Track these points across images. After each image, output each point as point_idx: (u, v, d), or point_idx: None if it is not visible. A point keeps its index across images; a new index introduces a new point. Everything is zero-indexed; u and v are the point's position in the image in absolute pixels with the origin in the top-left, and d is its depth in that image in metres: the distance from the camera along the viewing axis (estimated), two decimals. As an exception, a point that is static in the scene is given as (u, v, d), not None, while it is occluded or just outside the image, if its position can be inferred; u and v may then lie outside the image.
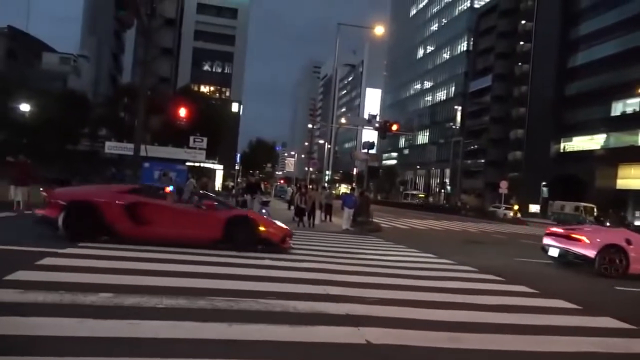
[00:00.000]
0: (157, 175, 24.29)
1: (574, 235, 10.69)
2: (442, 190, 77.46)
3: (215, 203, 10.03)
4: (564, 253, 10.75)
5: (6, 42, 65.62)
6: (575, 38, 56.85)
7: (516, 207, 44.75)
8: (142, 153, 17.09)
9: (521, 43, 70.33)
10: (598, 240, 10.41)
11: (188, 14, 69.10)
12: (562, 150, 57.98)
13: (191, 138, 31.92)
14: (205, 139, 32.43)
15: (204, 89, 65.85)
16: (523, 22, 70.28)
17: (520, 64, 70.21)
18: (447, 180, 78.12)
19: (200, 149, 32.75)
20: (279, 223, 10.40)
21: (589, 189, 47.91)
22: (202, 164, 37.36)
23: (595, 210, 39.54)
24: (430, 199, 78.49)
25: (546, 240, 11.41)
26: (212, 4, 70.33)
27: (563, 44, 57.70)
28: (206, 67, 71.19)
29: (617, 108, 51.16)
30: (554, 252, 10.99)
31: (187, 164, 33.93)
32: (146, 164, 28.30)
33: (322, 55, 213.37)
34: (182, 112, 21.52)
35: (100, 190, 9.76)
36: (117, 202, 8.77)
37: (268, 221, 10.11)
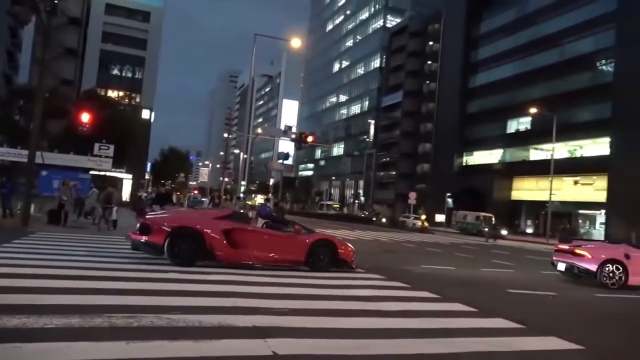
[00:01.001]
0: (57, 184, 22.49)
1: (578, 252, 11.72)
2: (356, 201, 79.64)
3: (302, 228, 10.77)
4: (569, 267, 11.79)
5: None
6: (476, 60, 61.66)
7: (424, 217, 47.11)
8: (38, 160, 15.74)
9: (429, 62, 74.81)
10: (599, 255, 11.46)
11: (95, 14, 65.29)
12: (464, 164, 62.23)
13: (96, 145, 30.00)
14: (112, 147, 30.62)
15: (112, 93, 62.32)
16: (431, 43, 74.85)
17: (428, 82, 74.59)
18: (361, 191, 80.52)
19: (106, 156, 30.84)
20: (347, 243, 11.07)
21: (488, 200, 51.80)
22: (108, 173, 35.20)
23: (493, 219, 42.72)
24: (345, 210, 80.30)
25: (555, 257, 12.48)
26: (122, 5, 67.08)
27: (466, 65, 62.27)
28: (115, 71, 67.56)
29: (512, 126, 56.05)
30: (561, 267, 12.09)
31: (92, 172, 31.86)
32: (44, 172, 26.16)
33: (240, 64, 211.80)
34: (85, 117, 20.16)
35: (200, 216, 10.24)
36: (216, 227, 9.23)
37: (344, 243, 10.82)
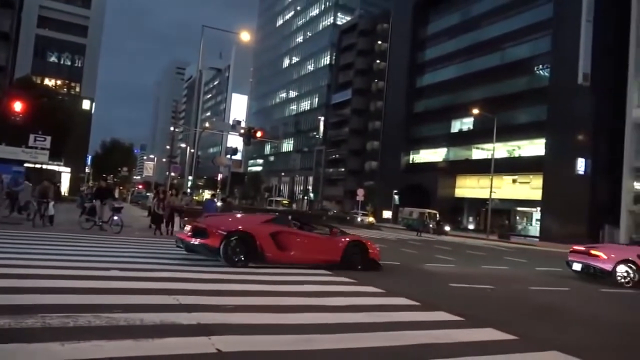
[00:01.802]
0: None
1: (593, 252, 12.40)
2: (306, 197, 79.88)
3: (338, 230, 11.49)
4: (585, 267, 12.46)
5: None
6: (422, 61, 63.34)
7: (372, 213, 47.95)
8: (-35, 151, 14.66)
9: (378, 61, 76.07)
10: (613, 256, 12.15)
11: (31, -4, 61.44)
12: (411, 162, 63.85)
13: (31, 136, 28.34)
14: (48, 138, 29.01)
15: (49, 82, 59.03)
16: (380, 42, 76.09)
17: (376, 80, 75.84)
18: (310, 188, 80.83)
19: (42, 148, 29.20)
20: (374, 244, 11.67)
21: (433, 197, 53.46)
22: (45, 166, 33.36)
23: (437, 215, 44.12)
24: (294, 206, 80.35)
25: (571, 257, 13.05)
26: (60, -12, 63.53)
27: (412, 66, 63.81)
28: (53, 59, 63.91)
29: (456, 126, 58.08)
30: (577, 267, 12.72)
31: (27, 165, 30.11)
32: (-29, 165, 24.47)
33: (187, 56, 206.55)
34: (18, 105, 18.97)
35: (250, 220, 10.82)
36: (265, 231, 9.86)
37: (373, 244, 11.40)
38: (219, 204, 20.16)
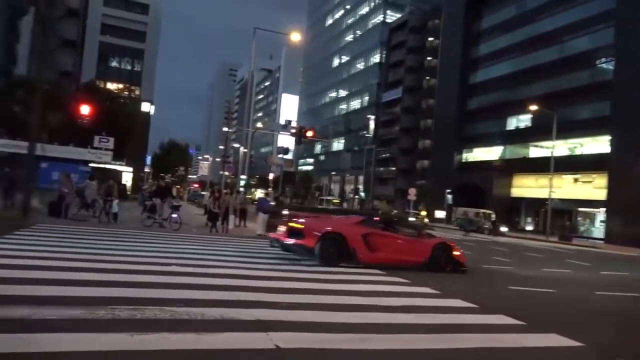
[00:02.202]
0: (58, 176, 22.45)
1: None
2: (356, 196, 79.68)
3: (426, 232, 11.91)
4: None
5: None
6: (475, 57, 61.53)
7: (424, 213, 47.13)
8: (38, 152, 15.70)
9: (429, 58, 74.64)
10: None
11: (94, 5, 64.91)
12: (464, 160, 62.22)
13: (96, 137, 29.97)
14: (111, 139, 30.58)
15: (111, 85, 62.15)
16: (430, 38, 74.63)
17: (427, 78, 74.44)
18: (361, 187, 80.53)
19: (106, 149, 30.82)
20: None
21: (488, 197, 51.86)
22: (108, 166, 35.16)
23: (493, 216, 42.78)
24: (345, 205, 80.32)
25: None
26: (121, -4, 66.75)
27: (465, 62, 62.12)
28: (114, 64, 67.27)
29: (512, 123, 56.03)
30: None
31: (92, 165, 31.84)
32: (44, 164, 26.16)
33: (239, 58, 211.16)
34: (85, 109, 20.11)
35: (343, 222, 11.16)
36: (357, 232, 10.28)
37: (457, 246, 11.60)
38: (272, 203, 20.52)
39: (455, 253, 11.17)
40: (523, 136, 52.95)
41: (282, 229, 10.94)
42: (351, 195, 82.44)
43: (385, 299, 7.08)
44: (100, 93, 44.93)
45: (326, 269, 9.64)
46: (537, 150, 50.49)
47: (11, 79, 53.98)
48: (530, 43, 52.04)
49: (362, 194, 77.61)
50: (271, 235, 11.74)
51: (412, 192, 43.61)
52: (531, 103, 42.94)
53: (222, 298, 6.01)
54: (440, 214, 58.11)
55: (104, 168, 34.52)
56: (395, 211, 45.63)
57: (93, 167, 31.49)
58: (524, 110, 47.66)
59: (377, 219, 12.36)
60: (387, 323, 5.59)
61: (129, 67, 67.83)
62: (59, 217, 15.55)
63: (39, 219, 14.51)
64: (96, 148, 30.81)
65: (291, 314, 5.55)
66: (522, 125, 54.59)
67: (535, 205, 50.25)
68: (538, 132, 48.13)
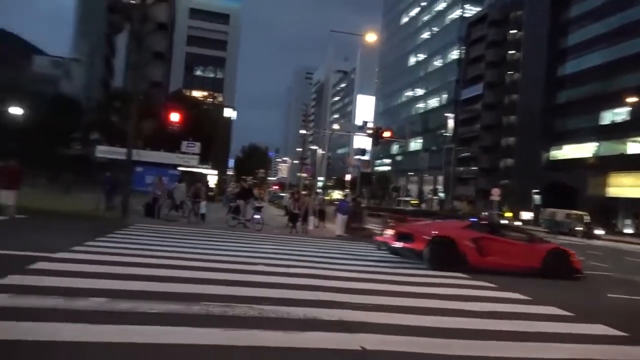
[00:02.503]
0: (150, 179, 24.12)
1: None
2: (435, 197, 77.76)
3: (538, 237, 11.54)
4: None
5: (-3, 45, 65.00)
6: (564, 47, 57.57)
7: (508, 214, 44.95)
8: (134, 157, 16.98)
9: (511, 52, 71.11)
10: None
11: (180, 18, 69.05)
12: (552, 158, 58.48)
13: (183, 143, 31.83)
14: (198, 144, 32.34)
15: (197, 93, 65.69)
16: (512, 31, 71.07)
17: (510, 72, 70.93)
18: (440, 187, 78.49)
19: (193, 154, 32.66)
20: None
21: (580, 197, 48.33)
22: (195, 169, 37.22)
23: (586, 217, 39.84)
24: (423, 206, 78.72)
25: None
26: (204, 9, 70.36)
27: (552, 53, 58.39)
28: (198, 72, 71.12)
29: (606, 117, 51.79)
30: None
31: (180, 168, 33.81)
32: (139, 169, 28.21)
33: (314, 61, 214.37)
34: (175, 117, 21.46)
35: (452, 226, 11.28)
36: (467, 236, 10.18)
37: (574, 252, 11.23)
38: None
39: (572, 259, 10.72)
40: (620, 131, 48.72)
41: (389, 232, 11.10)
42: (430, 196, 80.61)
43: (471, 303, 6.85)
44: (187, 101, 47.64)
45: (409, 271, 9.52)
46: (636, 146, 46.28)
47: (109, 91, 58.86)
48: (625, 30, 47.79)
49: (442, 195, 75.58)
50: (378, 238, 11.86)
51: (496, 192, 41.68)
52: (628, 95, 39.43)
53: (306, 298, 6.14)
54: (526, 215, 55.08)
55: (191, 171, 36.55)
56: (485, 213, 43.93)
57: (181, 171, 33.44)
58: (620, 103, 43.90)
59: (486, 222, 12.13)
60: (473, 329, 5.42)
61: (212, 75, 71.35)
62: (152, 218, 16.72)
63: (136, 219, 15.68)
64: (184, 153, 32.76)
65: (374, 315, 5.55)
66: (618, 119, 50.28)
67: (636, 206, 46.05)
68: (637, 126, 44.10)
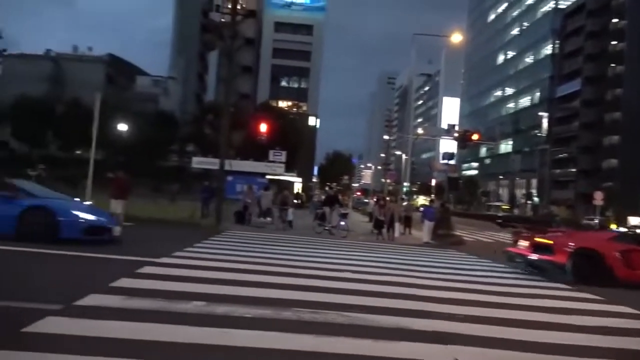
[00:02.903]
0: (240, 188, 25.29)
1: None
2: (529, 202, 73.33)
3: None
4: None
5: (106, 68, 71.97)
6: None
7: (613, 220, 41.16)
8: (227, 167, 17.87)
9: (613, 42, 65.34)
10: None
11: (266, 33, 71.75)
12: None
13: (271, 152, 32.99)
14: (284, 153, 33.35)
15: (282, 104, 67.80)
16: (615, 20, 65.33)
17: (612, 65, 65.18)
18: (534, 191, 73.90)
19: (279, 162, 33.73)
20: None
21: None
22: (281, 177, 38.41)
23: None
24: (516, 211, 74.56)
25: None
26: (288, 21, 72.50)
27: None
28: (283, 83, 73.31)
29: None
30: None
31: (268, 177, 35.05)
32: (229, 178, 29.64)
33: (397, 66, 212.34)
34: (263, 127, 22.32)
35: (597, 237, 10.93)
36: (614, 248, 9.62)
37: None
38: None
39: None
40: None
41: (524, 243, 10.54)
42: (523, 201, 76.20)
43: (576, 317, 6.36)
44: (274, 111, 49.35)
45: (504, 281, 9.07)
46: None
47: (202, 105, 62.63)
48: None
49: (536, 199, 71.09)
50: (511, 249, 11.19)
51: (598, 196, 38.31)
52: None
53: (395, 306, 6.06)
54: (634, 220, 50.06)
55: (278, 179, 37.72)
56: (592, 220, 40.73)
57: (269, 179, 34.64)
58: None
59: (633, 234, 11.27)
60: (579, 345, 5.02)
61: (296, 85, 73.23)
62: (243, 225, 17.48)
63: (228, 226, 16.49)
64: (271, 161, 33.93)
65: (467, 327, 5.35)
66: None
67: None
68: None
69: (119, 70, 75.43)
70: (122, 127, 38.50)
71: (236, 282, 6.75)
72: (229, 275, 7.20)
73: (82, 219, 9.31)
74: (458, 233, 20.61)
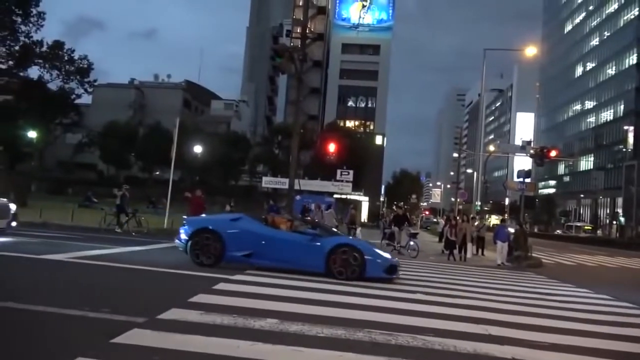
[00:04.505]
0: (309, 206, 25.46)
1: None
2: (614, 222, 68.07)
3: None
4: None
5: (183, 94, 76.39)
6: None
7: None
8: (296, 187, 18.20)
9: None
10: None
11: (333, 54, 73.03)
12: None
13: (338, 171, 33.24)
14: (351, 172, 33.47)
15: (349, 123, 68.31)
16: None
17: None
18: (620, 211, 68.55)
19: (346, 181, 33.87)
20: None
21: None
22: (349, 196, 38.49)
23: None
24: (599, 232, 69.44)
25: None
26: (355, 42, 73.38)
27: None
28: (350, 103, 73.97)
29: None
30: None
31: (335, 196, 35.26)
32: (297, 197, 30.15)
33: (466, 82, 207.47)
34: (332, 147, 22.57)
35: None
36: None
37: None
38: (511, 229, 19.15)
39: None
40: None
41: None
42: (607, 221, 70.85)
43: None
44: (341, 131, 49.82)
45: (589, 307, 8.41)
46: None
47: (272, 127, 64.52)
48: None
49: (622, 219, 65.79)
50: None
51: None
52: None
53: (472, 331, 5.82)
54: None
55: (345, 198, 37.81)
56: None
57: (336, 198, 34.82)
58: None
59: None
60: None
61: (363, 105, 73.62)
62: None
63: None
64: (338, 180, 34.15)
65: (552, 356, 5.02)
66: None
67: None
68: None
69: (194, 95, 79.82)
70: (198, 148, 40.52)
71: (308, 300, 6.80)
72: (301, 294, 7.27)
73: (383, 258, 9.59)
74: (536, 255, 19.50)
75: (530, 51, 29.63)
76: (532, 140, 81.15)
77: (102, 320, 4.94)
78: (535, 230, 71.56)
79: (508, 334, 5.78)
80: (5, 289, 6.22)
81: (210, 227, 9.54)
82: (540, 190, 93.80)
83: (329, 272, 9.03)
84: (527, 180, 22.24)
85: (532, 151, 26.69)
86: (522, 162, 62.27)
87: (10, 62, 37.98)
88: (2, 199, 11.27)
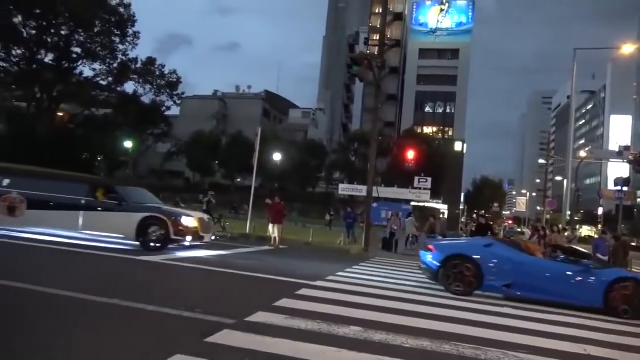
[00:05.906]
0: (384, 214, 25.39)
1: None
2: None
3: None
4: None
5: (263, 104, 79.17)
6: None
7: None
8: (375, 194, 18.11)
9: None
10: None
11: (411, 60, 72.05)
12: None
13: (416, 178, 32.65)
14: (429, 179, 32.72)
15: (427, 130, 66.93)
16: None
17: None
18: None
19: (424, 189, 33.15)
20: None
21: None
22: (427, 204, 37.64)
23: None
24: None
25: None
26: (433, 47, 71.92)
27: None
28: (428, 109, 72.47)
29: None
30: None
31: (413, 204, 34.65)
32: (374, 204, 30.02)
33: (550, 85, 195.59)
34: (411, 154, 22.23)
35: None
36: None
37: None
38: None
39: None
40: None
41: None
42: None
43: None
44: (419, 138, 48.97)
45: None
46: None
47: (348, 134, 64.87)
48: None
49: None
50: None
51: None
52: None
53: (570, 350, 5.44)
54: None
55: (423, 206, 37.01)
56: None
57: (413, 206, 34.19)
58: None
59: None
60: None
61: (441, 110, 71.84)
62: (390, 252, 17.40)
63: (376, 252, 16.58)
64: (416, 188, 33.52)
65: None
66: None
67: None
68: None
69: (273, 105, 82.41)
70: (277, 156, 41.67)
71: (392, 310, 6.72)
72: (383, 303, 7.20)
73: None
74: (636, 270, 17.83)
75: (627, 49, 27.45)
76: (630, 144, 74.52)
77: (196, 320, 5.21)
78: (634, 243, 65.51)
79: (609, 355, 5.35)
80: (112, 286, 6.78)
81: (467, 254, 9.03)
82: (639, 200, 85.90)
83: (609, 309, 8.23)
84: (625, 188, 20.49)
85: (630, 157, 24.56)
86: (618, 169, 57.46)
87: (110, 79, 41.49)
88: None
